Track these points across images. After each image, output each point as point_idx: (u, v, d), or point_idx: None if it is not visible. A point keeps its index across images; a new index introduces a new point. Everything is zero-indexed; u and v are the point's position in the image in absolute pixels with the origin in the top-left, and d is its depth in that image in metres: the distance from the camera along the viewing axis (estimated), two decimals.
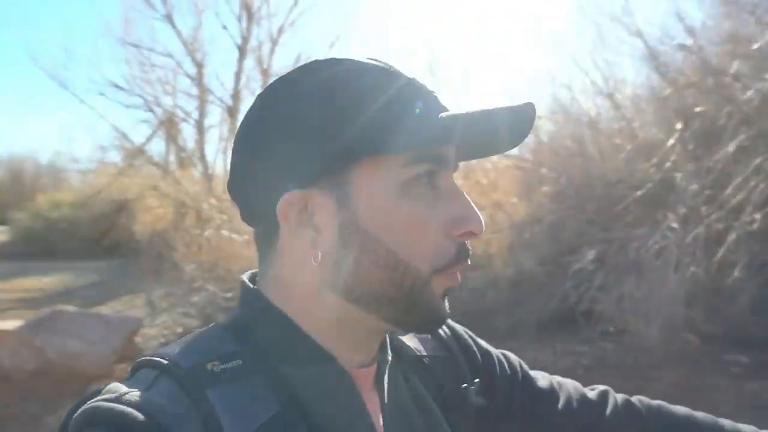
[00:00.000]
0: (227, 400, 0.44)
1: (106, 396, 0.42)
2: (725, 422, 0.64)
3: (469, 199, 0.51)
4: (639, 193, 4.15)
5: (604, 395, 0.66)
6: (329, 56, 0.52)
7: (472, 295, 4.45)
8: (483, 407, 0.60)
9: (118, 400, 0.41)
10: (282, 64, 10.80)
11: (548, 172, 5.29)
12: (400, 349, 0.59)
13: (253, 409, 0.44)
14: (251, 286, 0.53)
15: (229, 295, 4.86)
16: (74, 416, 0.42)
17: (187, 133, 11.21)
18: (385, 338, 0.57)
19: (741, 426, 0.63)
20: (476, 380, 0.61)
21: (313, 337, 0.50)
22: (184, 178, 8.46)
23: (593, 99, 5.73)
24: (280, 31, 10.64)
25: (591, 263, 3.96)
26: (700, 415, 0.65)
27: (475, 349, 0.65)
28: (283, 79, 0.51)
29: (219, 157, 10.60)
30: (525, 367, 0.67)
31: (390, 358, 0.56)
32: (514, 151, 5.67)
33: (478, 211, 0.50)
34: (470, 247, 0.51)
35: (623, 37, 5.31)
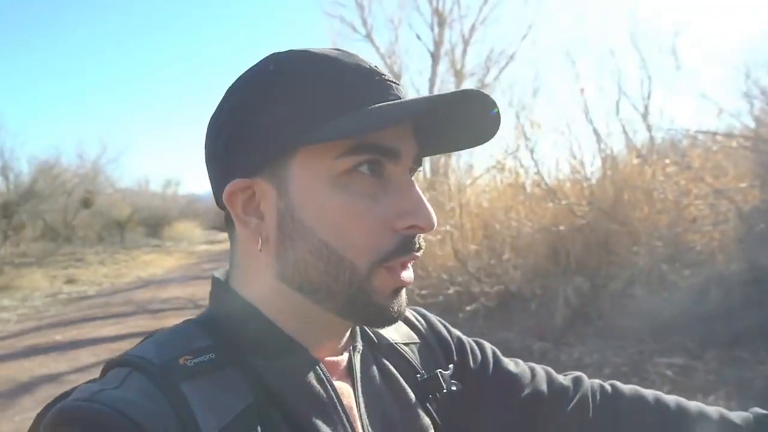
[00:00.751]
0: (201, 393, 0.43)
1: (78, 395, 0.42)
2: (691, 404, 0.63)
3: (420, 192, 0.49)
4: None
5: (576, 380, 0.66)
6: (288, 49, 0.52)
7: (689, 295, 3.90)
8: (457, 392, 0.59)
9: (91, 399, 0.41)
10: (475, 62, 10.86)
11: None
12: (371, 337, 0.59)
13: (227, 401, 0.44)
14: (220, 279, 0.54)
15: (425, 292, 5.07)
16: (45, 418, 0.41)
17: None
18: (354, 326, 0.56)
19: (706, 408, 0.62)
20: (450, 365, 0.61)
21: (280, 326, 0.50)
22: None
23: None
24: (472, 30, 10.70)
25: None
26: (669, 398, 0.63)
27: (448, 336, 0.66)
28: (243, 76, 0.52)
29: None
30: (498, 353, 0.67)
31: (360, 346, 0.56)
32: (745, 126, 4.84)
33: (428, 205, 0.49)
34: (419, 242, 0.50)
35: None
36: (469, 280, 4.88)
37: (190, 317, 0.53)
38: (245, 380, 0.46)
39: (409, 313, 0.66)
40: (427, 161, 10.09)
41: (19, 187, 12.61)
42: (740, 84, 4.69)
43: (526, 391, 0.63)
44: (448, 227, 5.38)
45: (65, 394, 0.44)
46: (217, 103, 0.53)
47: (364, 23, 11.11)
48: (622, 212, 4.96)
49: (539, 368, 0.67)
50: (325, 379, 0.50)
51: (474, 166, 7.60)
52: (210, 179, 0.53)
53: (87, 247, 15.93)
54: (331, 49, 0.51)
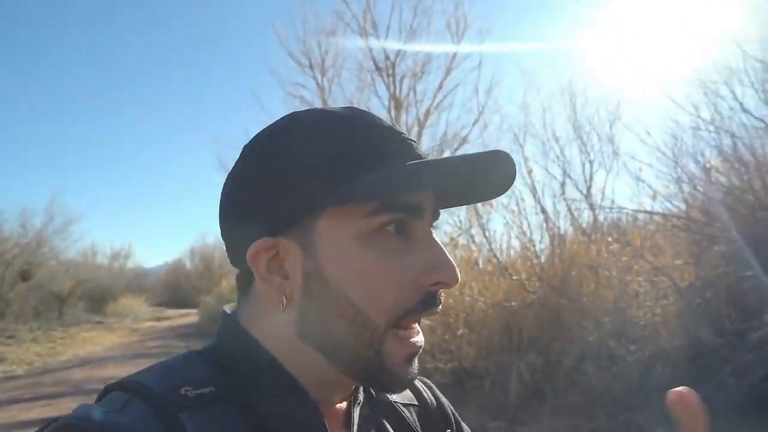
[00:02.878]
0: (199, 424, 0.43)
1: (79, 414, 0.42)
2: None
3: (443, 247, 0.50)
4: None
5: None
6: (306, 108, 0.54)
7: (636, 371, 3.99)
8: None
9: (88, 419, 0.41)
10: (430, 144, 11.34)
11: (720, 231, 4.67)
12: (371, 392, 0.58)
13: None
14: (229, 314, 0.54)
15: None
16: None
17: None
18: None
19: None
20: (448, 431, 0.62)
21: (288, 369, 0.50)
22: None
23: None
24: (427, 114, 11.25)
25: None
26: None
27: (449, 409, 0.66)
28: (262, 133, 0.53)
29: None
30: None
31: (361, 399, 0.55)
32: (676, 208, 5.19)
33: (452, 261, 0.49)
34: (440, 297, 0.50)
35: None
36: (422, 357, 4.83)
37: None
38: (243, 417, 0.46)
39: (416, 381, 0.65)
40: None
41: None
42: (671, 170, 5.07)
43: None
44: None
45: (63, 417, 0.43)
46: (236, 161, 0.53)
47: (324, 104, 11.51)
48: (571, 288, 5.11)
49: None
50: (322, 426, 0.49)
51: None
52: (226, 236, 0.53)
53: (20, 324, 14.89)
54: (345, 107, 0.52)
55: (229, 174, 0.53)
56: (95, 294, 24.17)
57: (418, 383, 0.65)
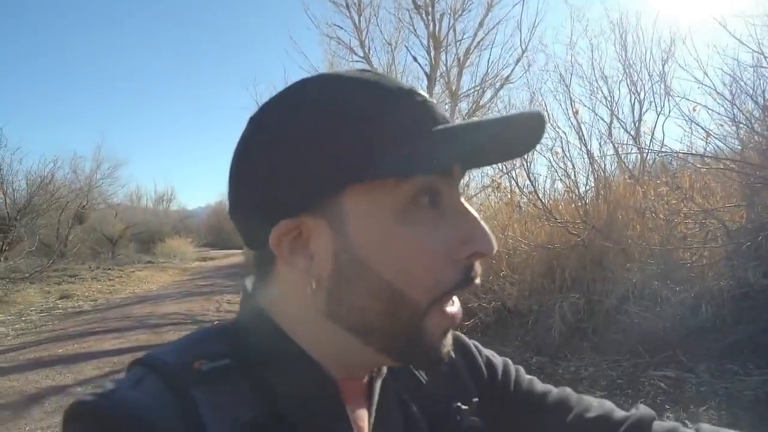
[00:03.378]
0: (211, 398, 0.43)
1: (94, 392, 0.43)
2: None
3: (477, 215, 0.47)
4: None
5: (639, 421, 0.58)
6: (319, 74, 0.49)
7: (680, 310, 4.06)
8: (477, 427, 0.56)
9: (102, 396, 0.42)
10: (470, 84, 11.12)
11: None
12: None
13: (235, 410, 0.43)
14: (248, 291, 0.52)
15: None
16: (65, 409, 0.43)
17: None
18: None
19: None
20: (474, 399, 0.58)
21: (303, 347, 0.48)
22: None
23: None
24: (467, 53, 10.97)
25: None
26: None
27: (482, 363, 0.63)
28: (271, 103, 0.48)
29: None
30: (534, 381, 0.64)
31: (384, 372, 0.54)
32: (729, 149, 5.05)
33: (487, 229, 0.46)
34: (478, 271, 0.47)
35: None
36: (467, 297, 5.01)
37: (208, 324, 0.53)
38: (257, 391, 0.45)
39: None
40: None
41: (17, 202, 12.62)
42: (727, 110, 4.91)
43: (559, 420, 0.60)
44: None
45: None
46: (243, 135, 0.49)
47: (362, 45, 11.35)
48: (616, 231, 5.13)
49: (581, 398, 0.62)
50: (339, 401, 0.48)
51: (469, 186, 7.77)
52: (238, 220, 0.50)
53: (79, 263, 15.87)
54: (358, 70, 0.48)
55: (237, 151, 0.49)
56: (144, 236, 25.33)
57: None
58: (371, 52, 11.40)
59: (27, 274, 11.34)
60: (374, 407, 0.51)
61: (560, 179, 6.24)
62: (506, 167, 6.44)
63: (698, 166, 5.13)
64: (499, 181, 6.63)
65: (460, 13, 10.85)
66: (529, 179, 5.98)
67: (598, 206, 5.61)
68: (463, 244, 0.45)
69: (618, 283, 4.67)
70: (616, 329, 4.34)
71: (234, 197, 0.50)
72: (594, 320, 4.53)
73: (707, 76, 4.79)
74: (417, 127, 0.45)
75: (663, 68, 6.65)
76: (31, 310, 9.07)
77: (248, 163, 0.48)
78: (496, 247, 0.47)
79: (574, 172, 6.11)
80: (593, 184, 6.00)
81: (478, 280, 0.47)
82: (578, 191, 5.94)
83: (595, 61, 6.99)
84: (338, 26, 11.21)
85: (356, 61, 11.60)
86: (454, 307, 0.48)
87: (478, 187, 7.79)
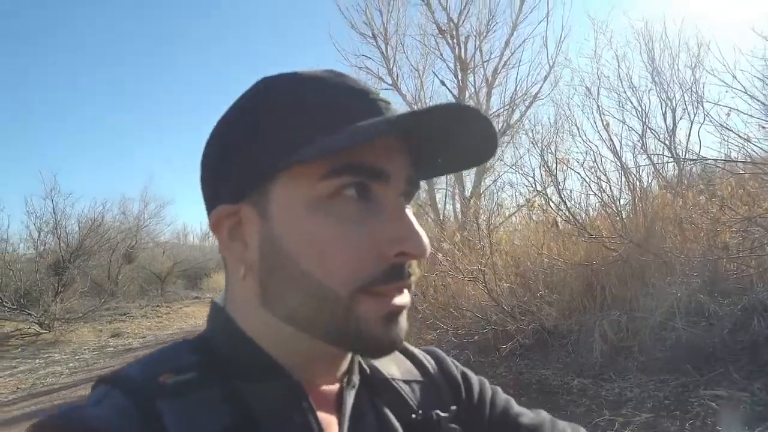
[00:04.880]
0: (177, 412, 0.42)
1: (54, 413, 0.42)
2: None
3: (411, 217, 0.47)
4: None
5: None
6: (278, 73, 0.50)
7: (730, 324, 3.86)
8: None
9: (61, 415, 0.41)
10: (499, 104, 11.10)
11: None
12: (368, 371, 0.56)
13: (203, 422, 0.43)
14: (217, 303, 0.53)
15: (461, 332, 5.11)
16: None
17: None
18: (354, 358, 0.54)
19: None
20: (453, 407, 0.57)
21: (268, 351, 0.48)
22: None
23: None
24: (495, 74, 10.99)
25: None
26: None
27: (458, 375, 0.63)
28: (235, 101, 0.51)
29: (449, 203, 11.28)
30: (511, 402, 0.64)
31: (356, 381, 0.53)
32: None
33: (419, 231, 0.46)
34: (411, 269, 0.47)
35: None
36: (504, 319, 4.91)
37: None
38: (225, 401, 0.44)
39: (418, 352, 0.63)
40: (457, 200, 10.18)
41: (70, 245, 13.26)
42: (761, 111, 4.72)
43: None
44: (479, 266, 5.46)
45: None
46: (211, 133, 0.51)
47: (390, 73, 11.53)
48: (655, 244, 4.96)
49: (550, 422, 0.62)
50: (308, 410, 0.47)
51: (503, 205, 7.70)
52: (206, 207, 0.51)
53: (130, 302, 16.43)
54: (323, 70, 0.49)
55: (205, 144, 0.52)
56: (190, 272, 26.01)
57: (419, 354, 0.62)
58: (399, 78, 11.57)
59: (81, 314, 11.80)
60: (346, 417, 0.51)
61: (594, 194, 6.11)
62: (542, 185, 6.36)
63: (738, 172, 4.94)
64: (533, 199, 6.55)
65: (485, 34, 10.93)
66: (560, 196, 5.88)
67: (635, 219, 5.45)
68: (391, 242, 0.45)
69: (661, 298, 4.49)
70: (662, 347, 4.16)
71: (201, 186, 0.52)
72: (638, 338, 4.35)
73: (736, 79, 4.63)
74: (353, 121, 0.45)
75: (693, 74, 6.49)
76: (85, 349, 9.42)
77: (204, 157, 0.51)
78: (427, 251, 0.46)
79: (609, 185, 5.98)
80: (629, 197, 5.85)
81: (410, 280, 0.47)
82: (614, 205, 5.79)
83: (623, 72, 6.88)
84: (366, 56, 11.45)
85: (385, 89, 11.79)
86: (398, 297, 0.47)
87: (513, 206, 7.71)
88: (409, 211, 0.48)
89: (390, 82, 11.57)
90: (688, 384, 3.70)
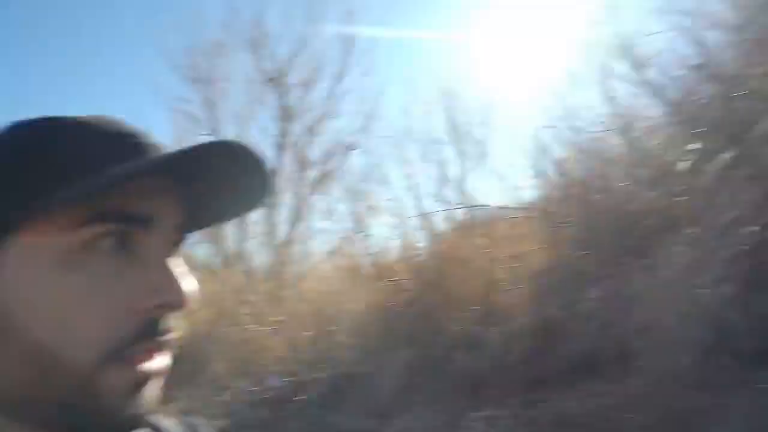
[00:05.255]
0: None
1: None
2: None
3: (171, 264, 0.42)
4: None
5: None
6: (35, 117, 0.45)
7: (495, 351, 4.25)
8: None
9: None
10: (319, 153, 11.37)
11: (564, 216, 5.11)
12: None
13: None
14: None
15: (257, 389, 4.92)
16: None
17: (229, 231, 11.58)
18: None
19: None
20: None
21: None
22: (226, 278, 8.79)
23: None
24: (318, 122, 11.28)
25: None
26: None
27: None
28: None
29: (261, 251, 10.95)
30: None
31: None
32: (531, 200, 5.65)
33: (178, 278, 0.41)
34: (168, 324, 0.42)
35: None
36: (301, 369, 4.87)
37: None
38: None
39: (173, 425, 0.54)
40: (270, 250, 10.03)
41: None
42: (527, 165, 5.54)
43: None
44: (283, 317, 5.39)
45: None
46: None
47: (210, 119, 11.29)
48: (444, 283, 5.35)
49: None
50: None
51: (313, 253, 7.81)
52: None
53: None
54: (94, 115, 0.44)
55: None
56: None
57: (174, 429, 0.55)
58: (221, 124, 11.35)
59: None
60: None
61: (396, 238, 6.48)
62: (350, 231, 6.58)
63: (509, 216, 5.60)
64: (341, 246, 6.72)
65: (310, 84, 11.27)
66: (366, 243, 6.13)
67: (429, 261, 5.85)
68: (148, 294, 0.40)
69: (445, 334, 4.80)
70: (444, 379, 4.41)
71: None
72: (423, 374, 4.58)
73: (514, 137, 5.39)
74: (111, 166, 0.39)
75: (481, 131, 7.40)
76: None
77: None
78: (186, 299, 0.41)
79: (410, 231, 6.39)
80: (426, 241, 6.29)
81: (165, 338, 0.42)
82: (413, 249, 6.17)
83: (426, 126, 7.61)
84: (187, 100, 11.10)
85: (206, 135, 11.44)
86: (149, 362, 0.41)
87: (323, 253, 7.82)
88: (175, 260, 0.43)
89: (210, 128, 11.31)
90: (463, 408, 3.95)
